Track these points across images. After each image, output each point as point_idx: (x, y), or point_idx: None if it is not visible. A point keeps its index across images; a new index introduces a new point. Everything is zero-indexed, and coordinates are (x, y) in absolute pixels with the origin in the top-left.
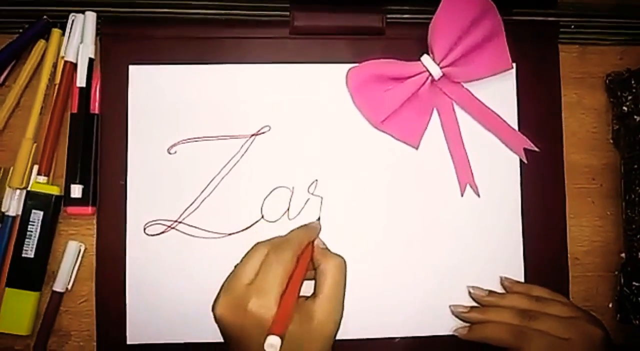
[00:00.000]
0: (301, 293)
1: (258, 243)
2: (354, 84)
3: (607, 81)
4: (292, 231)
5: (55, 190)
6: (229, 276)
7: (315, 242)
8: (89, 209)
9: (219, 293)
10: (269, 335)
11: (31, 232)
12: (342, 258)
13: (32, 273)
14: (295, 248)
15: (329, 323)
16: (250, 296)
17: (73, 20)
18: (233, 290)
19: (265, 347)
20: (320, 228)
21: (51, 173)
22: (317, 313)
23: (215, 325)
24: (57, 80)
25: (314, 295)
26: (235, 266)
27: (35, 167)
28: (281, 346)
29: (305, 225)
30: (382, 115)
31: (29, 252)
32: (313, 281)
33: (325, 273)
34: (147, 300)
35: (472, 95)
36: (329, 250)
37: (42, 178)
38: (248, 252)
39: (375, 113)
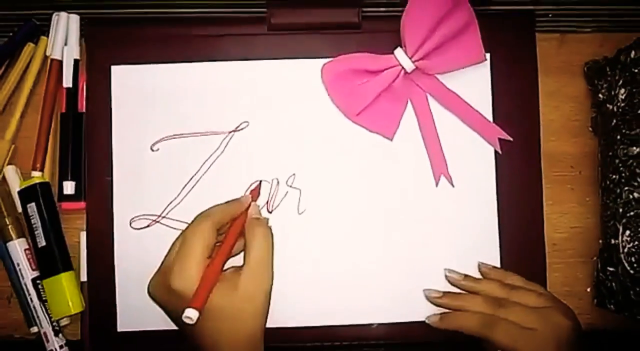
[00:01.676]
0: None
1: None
2: (328, 78)
3: (586, 69)
4: (213, 206)
5: (38, 179)
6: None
7: (249, 212)
8: (83, 204)
9: (154, 272)
10: (186, 307)
11: (35, 224)
12: (268, 227)
13: (52, 258)
14: (211, 219)
15: (254, 292)
16: (171, 273)
17: (57, 20)
18: (161, 270)
19: (183, 319)
20: (247, 202)
21: (45, 170)
22: (241, 284)
23: None
24: (45, 81)
25: (242, 265)
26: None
27: (12, 167)
28: (200, 318)
29: (231, 200)
30: (357, 108)
31: (42, 241)
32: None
33: (249, 243)
34: (135, 289)
35: (446, 87)
36: (259, 219)
37: (37, 174)
38: (182, 231)
39: (350, 106)
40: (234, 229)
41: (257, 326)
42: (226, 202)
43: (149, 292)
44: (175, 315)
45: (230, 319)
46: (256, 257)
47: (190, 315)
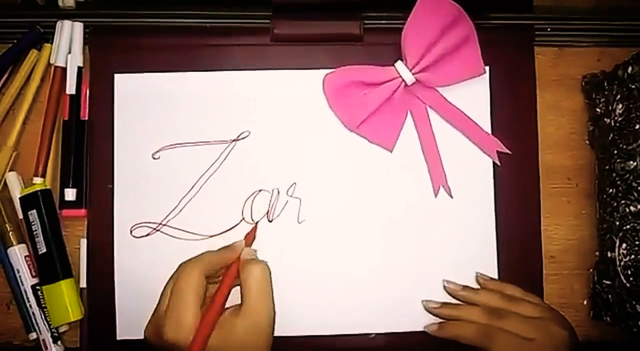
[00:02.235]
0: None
1: (179, 265)
2: (330, 89)
3: (583, 83)
4: (205, 252)
5: (39, 186)
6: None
7: (242, 255)
8: (84, 211)
9: (148, 320)
10: None
11: (36, 231)
12: (264, 265)
13: (53, 265)
14: (200, 266)
15: (254, 332)
16: (165, 325)
17: (60, 27)
18: (155, 317)
19: None
20: (240, 249)
21: (47, 177)
22: (240, 327)
23: None
24: (48, 88)
25: (240, 304)
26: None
27: (13, 173)
28: None
29: (225, 246)
30: (357, 119)
31: (42, 248)
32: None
33: (245, 283)
34: (135, 298)
35: (445, 99)
36: (253, 259)
37: (39, 180)
38: (167, 281)
39: (351, 117)
40: (227, 278)
41: None
42: (219, 249)
43: (145, 338)
44: None
45: None
46: (255, 296)
47: None
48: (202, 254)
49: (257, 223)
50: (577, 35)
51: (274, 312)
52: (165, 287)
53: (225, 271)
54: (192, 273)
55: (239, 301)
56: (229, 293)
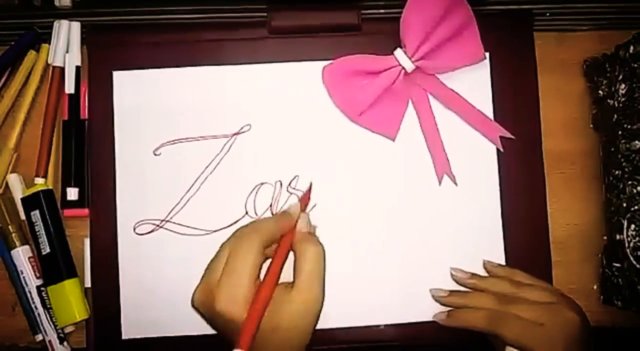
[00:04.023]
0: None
1: (236, 231)
2: (329, 80)
3: (585, 66)
4: (261, 219)
5: (41, 187)
6: (206, 269)
7: (298, 227)
8: (86, 211)
9: (197, 284)
10: (234, 349)
11: (39, 231)
12: (320, 244)
13: (57, 265)
14: (259, 236)
15: (308, 310)
16: (217, 295)
17: (58, 27)
18: (207, 283)
19: None
20: (296, 215)
21: (48, 177)
22: (296, 303)
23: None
24: (47, 88)
25: (292, 283)
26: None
27: (15, 175)
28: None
29: (280, 212)
30: (358, 109)
31: (46, 248)
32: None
33: (300, 262)
34: (139, 296)
35: (446, 86)
36: (310, 236)
37: (41, 180)
38: (223, 243)
39: (352, 107)
40: (282, 249)
41: (302, 345)
42: (275, 216)
43: (192, 305)
44: (217, 329)
45: (279, 337)
46: (309, 274)
47: None
48: (259, 222)
49: (311, 184)
50: (576, 19)
51: (324, 295)
52: (218, 253)
53: (279, 243)
54: (251, 243)
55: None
56: (282, 266)
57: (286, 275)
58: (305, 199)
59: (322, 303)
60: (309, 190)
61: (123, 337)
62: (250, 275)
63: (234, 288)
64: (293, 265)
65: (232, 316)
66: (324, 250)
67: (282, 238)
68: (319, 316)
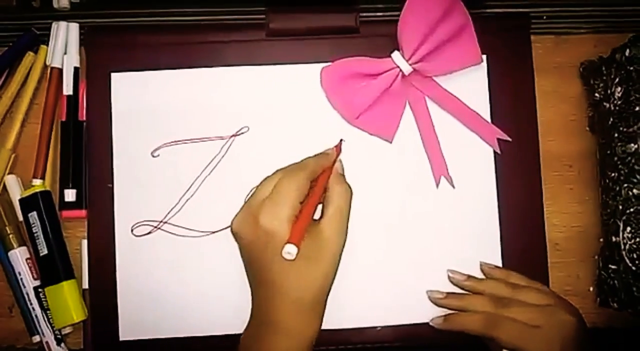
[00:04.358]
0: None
1: (277, 169)
2: (327, 82)
3: (581, 69)
4: (305, 158)
5: (39, 188)
6: (248, 199)
7: (335, 166)
8: (84, 212)
9: (238, 211)
10: (287, 243)
11: (36, 232)
12: (349, 186)
13: (55, 266)
14: (306, 172)
15: (334, 240)
16: (262, 210)
17: (56, 29)
18: (249, 206)
19: (283, 254)
20: (335, 156)
21: (46, 178)
22: (323, 232)
23: (203, 319)
24: (46, 89)
25: (320, 216)
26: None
27: (12, 176)
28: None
29: (320, 153)
30: (356, 111)
31: (43, 249)
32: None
33: (331, 198)
34: (137, 297)
35: (443, 88)
36: (342, 176)
37: (38, 182)
38: (267, 176)
39: (349, 109)
40: (321, 181)
41: (325, 281)
42: (316, 155)
43: (231, 229)
44: (254, 253)
45: (311, 262)
46: (337, 210)
47: (290, 250)
48: (301, 160)
49: (342, 140)
50: (573, 22)
51: (346, 234)
52: (263, 182)
53: (318, 177)
54: (299, 176)
55: None
56: (322, 195)
57: None
58: (338, 147)
59: (344, 243)
60: (341, 141)
61: (120, 338)
62: (295, 198)
63: (280, 205)
64: (322, 203)
65: (274, 229)
66: (352, 192)
67: (321, 174)
68: (340, 256)
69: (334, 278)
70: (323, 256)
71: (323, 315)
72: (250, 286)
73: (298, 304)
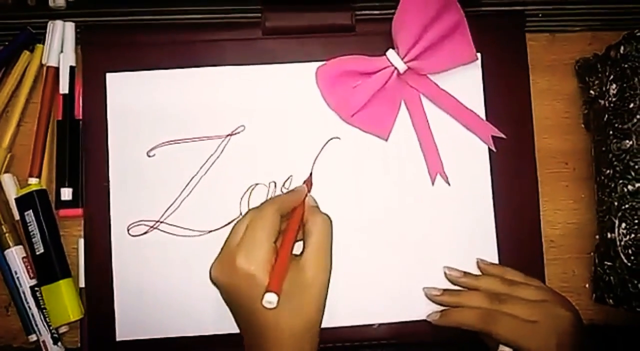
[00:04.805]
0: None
1: (249, 209)
2: (323, 81)
3: (576, 67)
4: (274, 196)
5: (35, 186)
6: (224, 243)
7: (306, 201)
8: (80, 211)
9: (216, 258)
10: (266, 292)
11: (33, 231)
12: (327, 216)
13: (51, 265)
14: (274, 207)
15: (318, 273)
16: (237, 254)
17: (52, 28)
18: (224, 252)
19: (264, 304)
20: (305, 191)
21: (42, 177)
22: (306, 268)
23: (200, 318)
24: (42, 88)
25: (302, 251)
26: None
27: (8, 175)
28: (278, 302)
29: (290, 190)
30: (351, 109)
31: (40, 248)
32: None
33: (310, 231)
34: (134, 298)
35: (438, 86)
36: (317, 209)
37: (35, 180)
38: (239, 219)
39: (345, 108)
40: (296, 217)
41: (316, 315)
42: (286, 192)
43: (211, 278)
44: (236, 298)
45: (295, 300)
46: (317, 242)
47: (271, 299)
48: (272, 198)
49: (311, 173)
50: (568, 20)
51: (332, 265)
52: (236, 226)
53: (291, 214)
54: (268, 211)
55: None
56: (298, 232)
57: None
58: (309, 182)
59: (330, 272)
60: (311, 175)
61: (117, 339)
62: (269, 236)
63: (254, 246)
64: (302, 238)
65: (251, 271)
66: (331, 222)
67: (294, 210)
68: (327, 287)
69: (324, 309)
70: (309, 293)
71: (318, 340)
72: (239, 328)
73: (288, 342)
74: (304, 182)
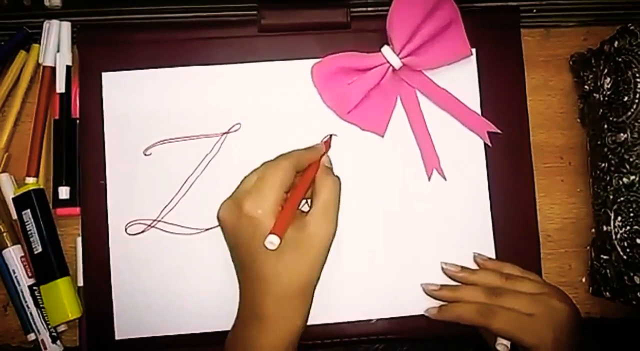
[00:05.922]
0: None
1: (264, 161)
2: (318, 79)
3: (571, 62)
4: (292, 150)
5: (32, 186)
6: (236, 188)
7: (322, 160)
8: (78, 209)
9: (225, 199)
10: (269, 234)
11: (30, 230)
12: (338, 178)
13: (49, 264)
14: (291, 161)
15: (320, 232)
16: (247, 198)
17: (48, 27)
18: (234, 196)
19: (266, 243)
20: (324, 150)
21: (40, 176)
22: (310, 224)
23: (198, 316)
24: (38, 88)
25: (309, 209)
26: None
27: (5, 175)
28: (278, 247)
29: (309, 146)
30: (347, 106)
31: (38, 247)
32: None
33: (319, 190)
34: (132, 296)
35: (434, 82)
36: (329, 169)
37: (32, 180)
38: (252, 170)
39: (341, 105)
40: (309, 173)
41: (314, 273)
42: (304, 148)
43: (218, 216)
44: (239, 241)
45: (295, 254)
46: (324, 202)
47: (273, 240)
48: (289, 151)
49: (331, 135)
50: (562, 15)
51: (337, 226)
52: (249, 175)
53: (305, 170)
54: (283, 163)
55: None
56: (309, 187)
57: None
58: (327, 143)
59: (334, 234)
60: (331, 136)
61: (116, 337)
62: (280, 186)
63: (264, 194)
64: (310, 198)
65: (259, 219)
66: (340, 183)
67: (308, 167)
68: (328, 249)
69: (321, 271)
70: (309, 248)
71: (309, 309)
72: (238, 278)
73: (283, 295)
74: (324, 142)
